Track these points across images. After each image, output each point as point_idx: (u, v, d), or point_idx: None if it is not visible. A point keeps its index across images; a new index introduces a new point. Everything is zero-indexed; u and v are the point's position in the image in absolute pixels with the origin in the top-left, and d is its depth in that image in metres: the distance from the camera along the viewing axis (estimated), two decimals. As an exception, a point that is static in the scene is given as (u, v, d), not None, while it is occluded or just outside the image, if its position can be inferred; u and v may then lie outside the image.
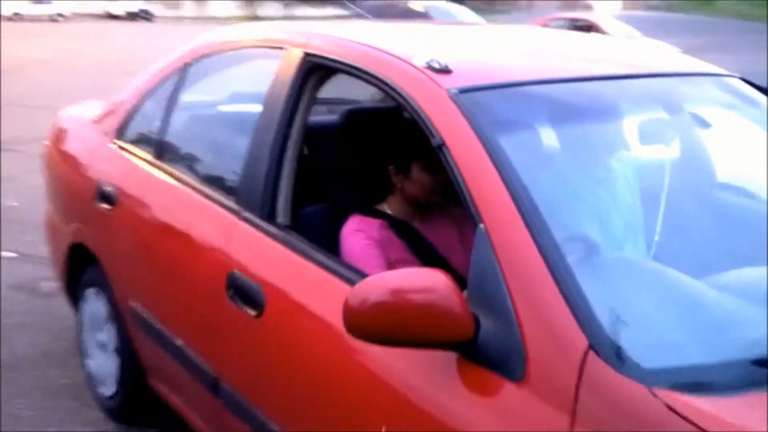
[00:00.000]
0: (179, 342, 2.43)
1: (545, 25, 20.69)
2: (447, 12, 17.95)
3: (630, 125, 2.12)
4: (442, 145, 1.67)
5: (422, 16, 17.04)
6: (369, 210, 2.18)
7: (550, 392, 1.32)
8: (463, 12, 18.59)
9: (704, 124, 2.27)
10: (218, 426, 2.31)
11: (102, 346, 3.02)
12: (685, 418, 1.18)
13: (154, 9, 48.77)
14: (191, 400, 2.49)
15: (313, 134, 2.34)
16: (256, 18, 47.70)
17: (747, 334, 1.43)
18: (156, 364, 2.69)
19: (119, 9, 47.11)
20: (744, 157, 2.23)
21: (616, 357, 1.29)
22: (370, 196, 2.21)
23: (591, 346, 1.30)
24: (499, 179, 1.55)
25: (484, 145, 1.61)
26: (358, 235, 2.08)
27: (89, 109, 3.37)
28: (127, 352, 2.82)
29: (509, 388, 1.37)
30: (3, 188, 6.16)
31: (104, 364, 3.00)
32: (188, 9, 55.10)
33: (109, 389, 2.97)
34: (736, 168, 2.27)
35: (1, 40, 19.13)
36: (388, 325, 1.40)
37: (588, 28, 19.96)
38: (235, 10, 56.98)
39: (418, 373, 1.53)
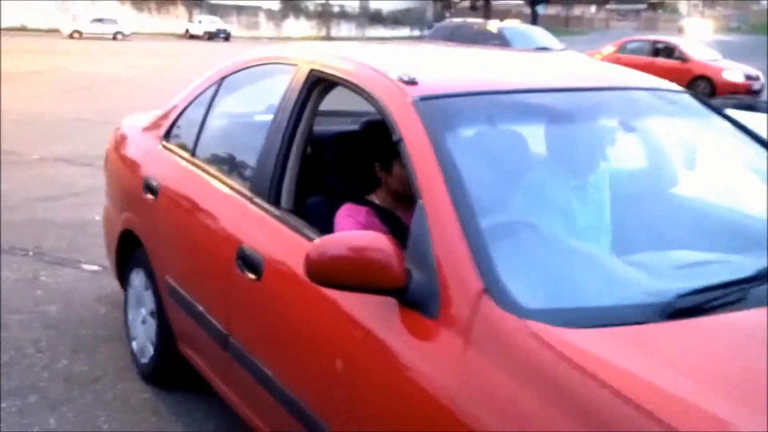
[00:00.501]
0: (200, 308, 2.85)
1: (621, 47, 20.29)
2: (523, 33, 17.62)
3: (567, 130, 2.49)
4: (400, 140, 2.08)
5: (496, 37, 16.90)
6: (360, 199, 2.55)
7: (453, 324, 1.71)
8: (539, 33, 18.31)
9: (630, 129, 2.65)
10: (227, 377, 2.74)
11: (142, 318, 3.46)
12: (544, 342, 1.55)
13: (233, 29, 49.89)
14: (208, 358, 2.91)
15: (319, 139, 2.86)
16: (330, 38, 48.47)
17: (619, 289, 1.84)
18: (184, 330, 3.10)
19: (198, 29, 48.20)
20: (682, 158, 2.75)
21: (503, 298, 1.66)
22: (361, 188, 2.58)
23: (485, 290, 1.69)
24: (437, 167, 1.95)
25: (431, 141, 2.01)
26: (348, 218, 2.42)
27: (146, 118, 3.83)
28: (162, 322, 3.26)
29: (428, 324, 1.77)
30: (86, 202, 6.33)
31: (143, 334, 3.46)
32: (264, 29, 56.36)
33: (146, 357, 3.41)
34: (678, 168, 2.71)
35: (74, 59, 19.78)
36: (340, 274, 1.81)
37: (669, 50, 19.51)
38: (309, 30, 58.05)
39: (367, 317, 1.93)
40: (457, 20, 20.79)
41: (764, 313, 1.67)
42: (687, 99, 2.70)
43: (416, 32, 63.06)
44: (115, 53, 28.25)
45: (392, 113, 2.15)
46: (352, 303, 1.97)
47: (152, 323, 3.36)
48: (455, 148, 2.03)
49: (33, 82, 16.89)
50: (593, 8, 76.28)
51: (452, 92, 2.31)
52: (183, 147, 3.30)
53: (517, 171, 2.31)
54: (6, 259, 4.92)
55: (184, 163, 3.20)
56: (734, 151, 2.59)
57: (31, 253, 5.08)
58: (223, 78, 3.26)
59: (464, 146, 2.15)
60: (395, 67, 2.36)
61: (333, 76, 2.53)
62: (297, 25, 58.93)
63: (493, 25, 17.77)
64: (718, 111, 2.67)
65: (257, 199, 2.58)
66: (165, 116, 3.57)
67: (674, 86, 2.77)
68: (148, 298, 3.38)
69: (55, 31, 42.78)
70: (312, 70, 2.60)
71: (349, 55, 2.70)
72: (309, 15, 61.08)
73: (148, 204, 3.31)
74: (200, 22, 49.88)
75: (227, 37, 46.86)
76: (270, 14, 58.90)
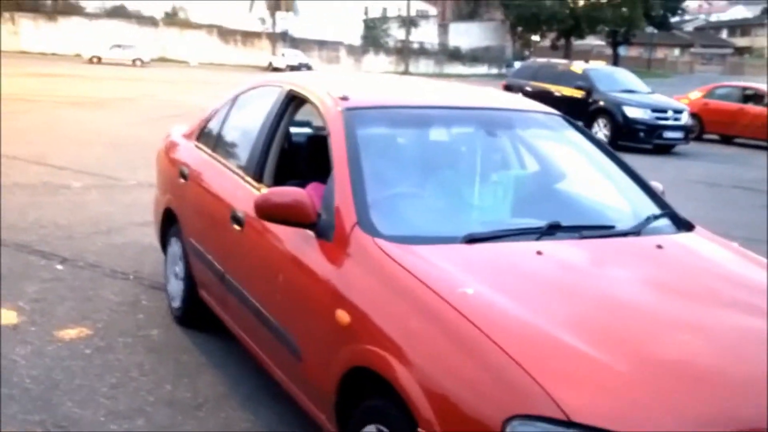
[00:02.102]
0: (209, 257, 3.92)
1: (710, 92, 19.80)
2: (608, 75, 17.24)
3: (445, 132, 3.71)
4: (328, 134, 3.15)
5: (581, 78, 16.71)
6: (322, 180, 3.27)
7: (339, 243, 2.74)
8: (625, 75, 17.93)
9: (493, 135, 3.68)
10: (224, 304, 3.81)
11: (175, 275, 4.53)
12: (381, 249, 2.59)
13: (314, 63, 50.89)
14: (213, 294, 3.97)
15: (297, 141, 4.13)
16: (408, 73, 48.87)
17: (443, 228, 2.85)
18: (201, 278, 4.13)
19: (281, 62, 49.23)
20: (544, 154, 3.80)
21: (365, 227, 2.70)
22: (326, 173, 3.21)
23: (357, 222, 2.73)
24: (345, 151, 3.00)
25: (345, 135, 3.07)
26: (311, 191, 3.17)
27: (187, 126, 4.98)
28: (187, 273, 4.31)
29: (327, 245, 2.80)
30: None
31: (176, 286, 4.51)
32: (345, 64, 57.34)
33: (177, 303, 4.47)
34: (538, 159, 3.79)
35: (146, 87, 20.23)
36: (275, 212, 2.89)
37: (759, 97, 18.96)
38: (388, 65, 58.74)
39: (295, 246, 2.97)
40: (541, 60, 20.62)
41: (527, 244, 2.74)
42: (558, 119, 3.78)
43: (494, 70, 63.13)
44: (198, 83, 29.04)
45: (326, 118, 3.24)
46: (288, 239, 3.03)
47: (181, 276, 4.40)
48: (361, 140, 3.06)
49: (125, 108, 17.58)
50: (677, 51, 75.05)
51: (368, 105, 3.39)
52: (207, 145, 4.40)
53: (400, 159, 3.40)
54: (109, 282, 5.09)
55: (206, 156, 4.30)
56: (588, 154, 3.65)
57: (131, 277, 5.23)
58: (236, 96, 4.44)
59: (367, 140, 3.14)
60: (342, 89, 3.43)
61: (300, 93, 3.62)
62: (376, 61, 59.77)
63: (578, 66, 17.56)
64: (580, 129, 3.77)
65: (247, 178, 3.63)
66: (199, 124, 4.70)
67: (551, 110, 3.87)
68: (179, 258, 4.44)
69: (78, 56, 44.33)
70: (290, 90, 3.72)
71: (314, 80, 3.97)
72: (388, 51, 61.91)
73: (181, 186, 4.42)
74: (283, 55, 50.97)
75: (309, 70, 47.73)
76: (351, 49, 59.94)
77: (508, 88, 18.23)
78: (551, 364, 2.01)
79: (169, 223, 4.67)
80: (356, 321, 2.50)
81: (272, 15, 57.13)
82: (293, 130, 4.17)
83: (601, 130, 15.64)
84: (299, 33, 57.78)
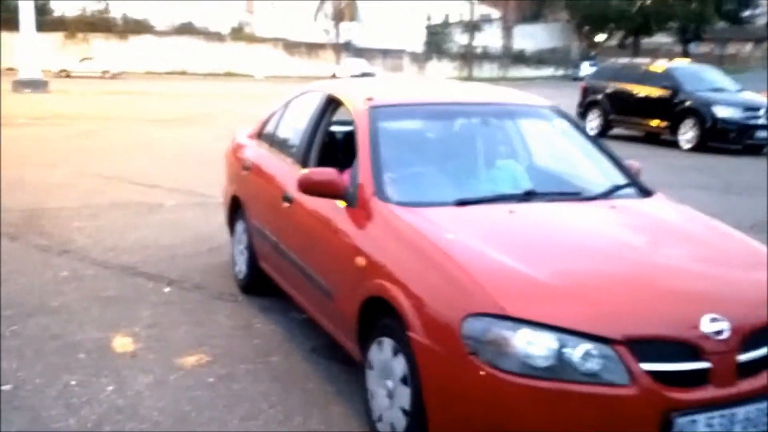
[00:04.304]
0: (266, 231, 4.77)
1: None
2: (694, 73, 16.44)
3: (457, 123, 4.41)
4: (356, 128, 3.97)
5: (665, 78, 16.03)
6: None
7: (362, 208, 3.55)
8: (712, 73, 17.06)
9: (491, 124, 4.53)
10: (278, 269, 4.64)
11: (240, 251, 5.35)
12: (391, 211, 3.41)
13: (378, 71, 50.84)
14: (269, 262, 4.80)
15: (336, 135, 5.07)
16: (471, 78, 48.44)
17: (440, 196, 3.62)
18: (260, 250, 4.96)
19: (344, 72, 49.26)
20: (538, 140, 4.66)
21: (380, 195, 3.52)
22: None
23: (374, 192, 3.53)
24: (367, 140, 3.80)
25: (369, 128, 3.87)
26: (344, 175, 3.86)
27: (250, 128, 5.82)
28: (250, 249, 5.13)
29: (351, 211, 3.61)
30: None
31: (240, 260, 5.34)
32: (408, 71, 57.24)
33: (242, 273, 5.30)
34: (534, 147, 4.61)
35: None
36: (313, 187, 3.71)
37: None
38: (452, 71, 58.40)
39: (331, 210, 3.76)
40: (623, 60, 19.94)
41: (505, 205, 3.55)
42: (550, 111, 4.55)
43: (561, 72, 62.12)
44: (271, 95, 29.23)
45: (355, 115, 4.06)
46: (323, 208, 3.83)
47: (245, 252, 5.20)
48: (381, 131, 3.85)
49: (205, 124, 17.76)
50: (749, 46, 72.58)
51: (388, 104, 4.18)
52: (266, 141, 5.29)
53: (413, 145, 4.16)
54: (219, 305, 4.99)
55: (264, 151, 5.20)
56: (573, 139, 4.46)
57: (239, 299, 5.12)
58: (288, 102, 5.31)
59: (386, 131, 3.91)
60: (369, 92, 4.26)
61: (336, 98, 4.44)
62: (440, 67, 59.51)
63: (661, 65, 16.91)
64: (569, 118, 4.58)
65: (296, 166, 4.43)
66: (259, 126, 5.58)
67: (545, 102, 4.67)
68: (244, 236, 5.24)
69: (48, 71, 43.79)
70: (328, 95, 4.55)
71: (349, 86, 4.76)
72: (452, 57, 61.58)
73: (244, 177, 5.31)
74: (347, 65, 51.10)
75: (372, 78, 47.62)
76: (414, 57, 59.84)
77: (587, 90, 17.75)
78: (497, 279, 2.82)
79: (235, 208, 5.51)
80: (369, 263, 3.30)
81: (336, 26, 57.52)
82: (335, 128, 4.99)
83: (689, 131, 15.02)
84: (363, 42, 57.99)
